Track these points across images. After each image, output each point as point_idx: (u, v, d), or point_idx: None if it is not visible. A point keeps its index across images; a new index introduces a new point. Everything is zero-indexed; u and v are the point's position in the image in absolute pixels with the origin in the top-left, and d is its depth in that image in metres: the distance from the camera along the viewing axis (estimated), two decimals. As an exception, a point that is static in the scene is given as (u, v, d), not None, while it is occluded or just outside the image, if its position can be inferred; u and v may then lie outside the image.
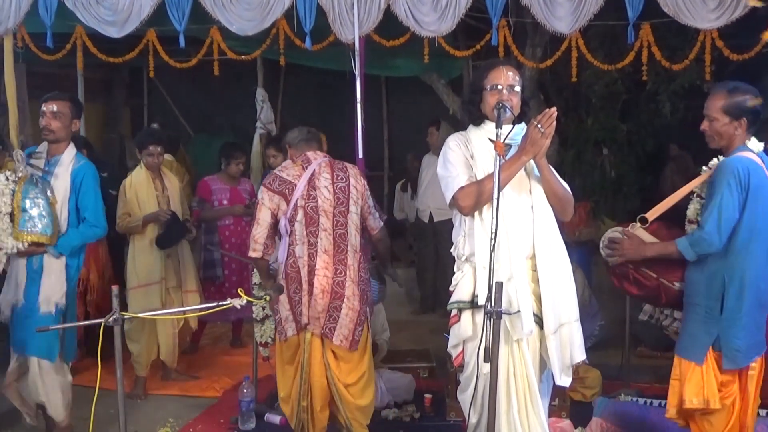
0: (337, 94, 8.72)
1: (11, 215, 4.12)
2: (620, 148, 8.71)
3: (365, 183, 4.14)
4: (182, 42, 5.75)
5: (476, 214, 3.27)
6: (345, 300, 3.89)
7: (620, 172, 8.73)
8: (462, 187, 3.25)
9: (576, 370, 4.85)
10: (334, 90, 9.16)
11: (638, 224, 3.66)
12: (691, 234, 3.48)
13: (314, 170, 4.03)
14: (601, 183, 8.26)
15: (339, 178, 4.03)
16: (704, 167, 3.67)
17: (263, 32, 5.71)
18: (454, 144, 3.40)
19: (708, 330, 3.43)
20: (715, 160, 3.61)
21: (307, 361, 3.96)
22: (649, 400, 4.78)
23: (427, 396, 5.00)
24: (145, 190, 5.49)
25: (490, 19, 5.40)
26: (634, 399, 4.77)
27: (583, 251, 6.16)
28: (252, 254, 4.07)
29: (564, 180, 3.41)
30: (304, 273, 3.93)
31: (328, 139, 5.57)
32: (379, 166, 10.61)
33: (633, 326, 5.81)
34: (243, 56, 6.45)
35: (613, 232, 3.72)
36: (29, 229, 4.14)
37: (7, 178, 4.14)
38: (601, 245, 3.74)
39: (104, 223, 4.42)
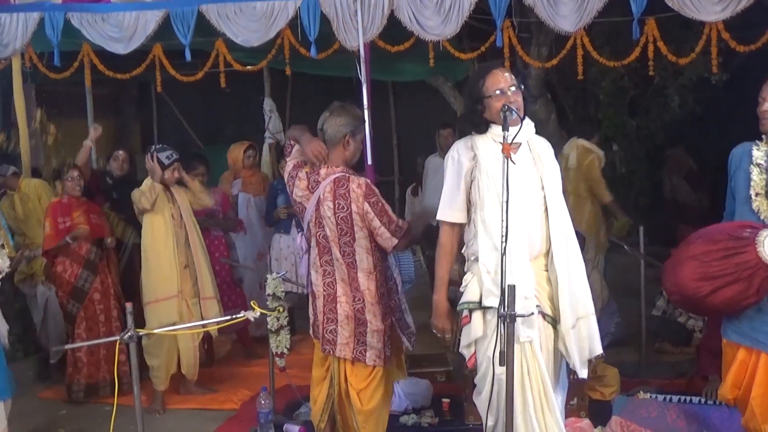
0: (345, 100, 8.71)
1: None
2: (630, 143, 8.69)
3: (368, 204, 3.70)
4: (188, 55, 5.76)
5: (479, 217, 3.31)
6: (368, 324, 3.80)
7: (631, 167, 8.70)
8: (444, 223, 3.46)
9: (594, 368, 4.89)
10: (341, 97, 8.96)
11: None
12: None
13: (320, 197, 3.75)
14: (611, 179, 8.23)
15: (340, 207, 3.70)
16: None
17: (268, 42, 5.73)
18: (456, 153, 3.43)
19: None
20: None
21: (336, 375, 3.90)
22: (668, 397, 4.76)
23: (445, 400, 4.98)
24: (160, 199, 5.44)
25: (494, 20, 5.40)
26: (654, 396, 4.74)
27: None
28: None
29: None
30: (319, 303, 3.85)
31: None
32: (389, 171, 10.61)
33: (650, 322, 5.79)
34: (249, 67, 6.48)
35: None
36: None
37: None
38: None
39: None
